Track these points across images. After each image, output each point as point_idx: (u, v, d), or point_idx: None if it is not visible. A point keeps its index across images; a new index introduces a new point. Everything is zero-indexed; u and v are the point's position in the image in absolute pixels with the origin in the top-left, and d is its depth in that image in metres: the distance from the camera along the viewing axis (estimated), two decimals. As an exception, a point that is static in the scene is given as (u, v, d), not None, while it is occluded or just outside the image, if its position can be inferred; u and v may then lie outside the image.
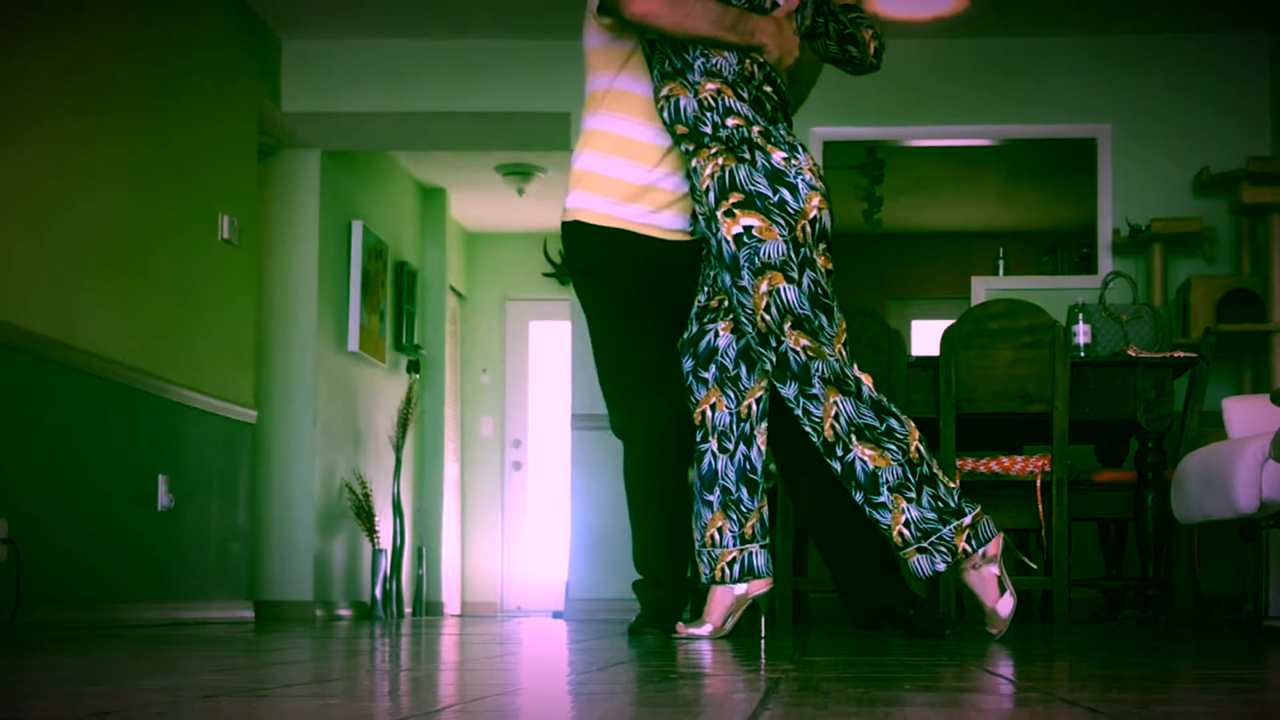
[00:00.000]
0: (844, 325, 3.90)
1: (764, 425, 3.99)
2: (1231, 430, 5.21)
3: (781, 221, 3.78)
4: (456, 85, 7.42)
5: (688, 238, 4.10)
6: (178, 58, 6.19)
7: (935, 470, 3.85)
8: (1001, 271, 8.61)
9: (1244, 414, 5.21)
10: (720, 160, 3.82)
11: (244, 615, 6.66)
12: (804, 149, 3.88)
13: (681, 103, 3.87)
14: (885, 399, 3.90)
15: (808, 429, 3.88)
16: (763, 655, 3.06)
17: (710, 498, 3.97)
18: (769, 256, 3.78)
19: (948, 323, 5.57)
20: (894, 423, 3.84)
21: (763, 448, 3.97)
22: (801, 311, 3.79)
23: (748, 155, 3.81)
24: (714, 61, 3.85)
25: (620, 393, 4.14)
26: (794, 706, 1.74)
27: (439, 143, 8.40)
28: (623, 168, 4.07)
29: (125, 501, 5.65)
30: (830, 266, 3.87)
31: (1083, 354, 5.87)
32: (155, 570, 5.87)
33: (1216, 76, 7.23)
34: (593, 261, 4.13)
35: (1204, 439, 5.60)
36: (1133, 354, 5.57)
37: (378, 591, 8.47)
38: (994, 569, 3.86)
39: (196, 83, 6.36)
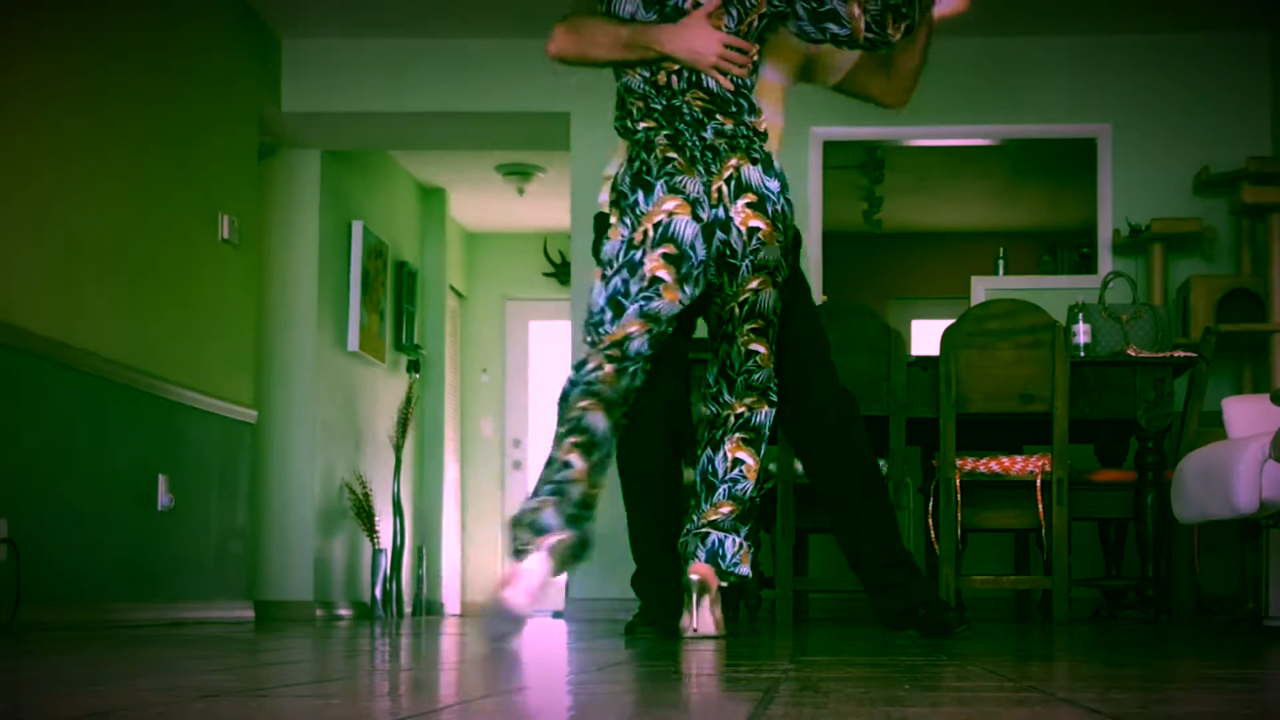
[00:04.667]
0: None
1: (738, 438, 3.99)
2: (1231, 430, 5.21)
3: (628, 223, 3.80)
4: (456, 85, 7.42)
5: None
6: (178, 58, 6.19)
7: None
8: (1001, 271, 8.61)
9: (1244, 414, 5.21)
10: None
11: (244, 615, 6.66)
12: (735, 150, 3.84)
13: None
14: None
15: (709, 408, 3.97)
16: (763, 655, 3.06)
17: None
18: (608, 254, 3.82)
19: (948, 323, 5.57)
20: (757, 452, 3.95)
21: (729, 455, 3.97)
22: (773, 317, 3.87)
23: (644, 157, 3.81)
24: (628, 79, 3.90)
25: None
26: (794, 706, 1.74)
27: (439, 143, 8.40)
28: None
29: (125, 501, 5.65)
30: (660, 274, 3.88)
31: (1083, 354, 5.87)
32: (155, 570, 5.87)
33: (1216, 76, 7.23)
34: None
35: (1204, 439, 5.59)
36: (1133, 354, 5.57)
37: (378, 591, 8.47)
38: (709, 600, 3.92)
39: (196, 82, 6.36)
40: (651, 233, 3.77)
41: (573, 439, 3.73)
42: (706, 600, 3.86)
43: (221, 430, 6.49)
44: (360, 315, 8.48)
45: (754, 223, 3.76)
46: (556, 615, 8.29)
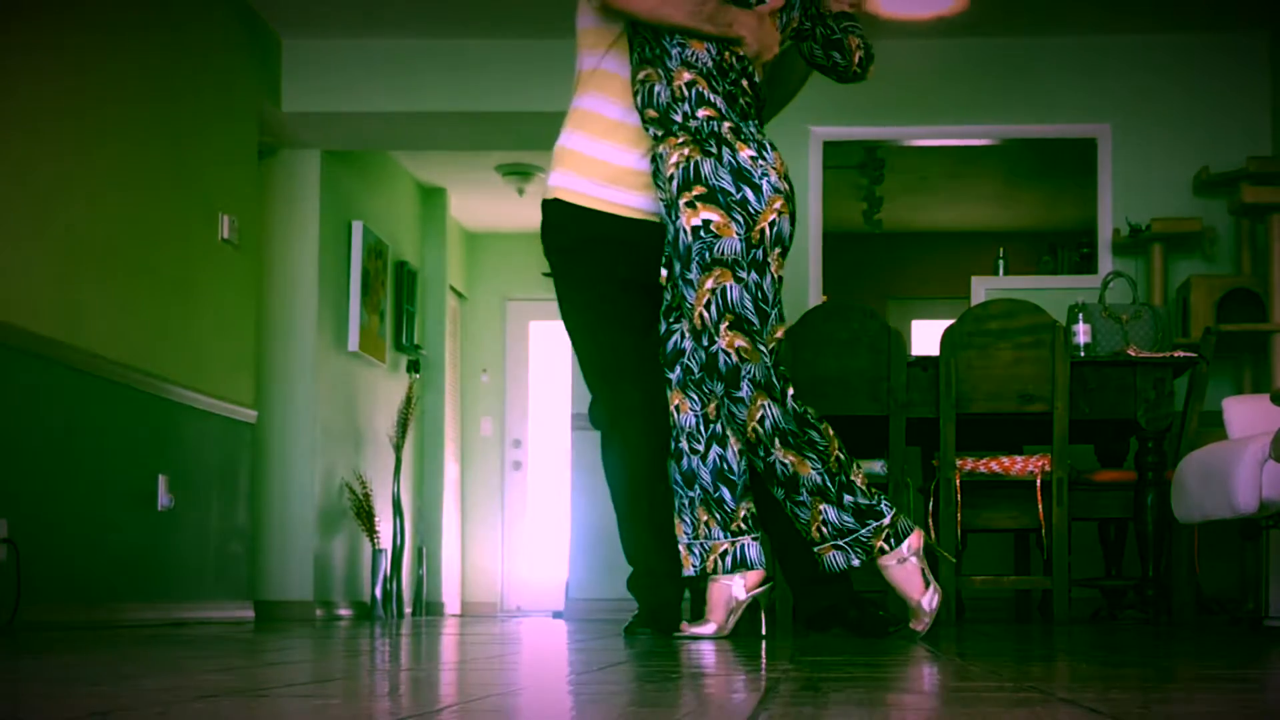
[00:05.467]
0: (781, 328, 3.88)
1: (778, 443, 3.90)
2: (1231, 430, 5.21)
3: (740, 219, 3.76)
4: (456, 85, 7.42)
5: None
6: (178, 58, 6.19)
7: (854, 478, 3.84)
8: (1001, 271, 8.60)
9: (1244, 414, 5.20)
10: (686, 151, 3.80)
11: (244, 615, 6.66)
12: (773, 148, 3.85)
13: (656, 89, 3.86)
14: (810, 411, 3.85)
15: (730, 430, 3.88)
16: (763, 655, 3.06)
17: (692, 494, 3.95)
18: (722, 253, 3.76)
19: (948, 323, 5.57)
20: (815, 435, 3.83)
21: (739, 447, 3.91)
22: (743, 312, 3.78)
23: (714, 149, 3.79)
24: (691, 52, 3.83)
25: (597, 380, 4.14)
26: (794, 706, 1.74)
27: (439, 143, 8.40)
28: (604, 149, 4.06)
29: (125, 501, 5.65)
30: (781, 273, 3.86)
31: (1083, 354, 5.87)
32: (155, 570, 5.87)
33: (1216, 76, 7.23)
34: (569, 241, 4.12)
35: (1204, 439, 5.60)
36: (1133, 354, 5.57)
37: (378, 591, 8.47)
38: (915, 563, 3.86)
39: (196, 82, 6.36)
40: (767, 231, 3.78)
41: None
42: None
43: (221, 430, 6.49)
44: (360, 315, 8.48)
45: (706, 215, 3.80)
46: (556, 615, 8.29)
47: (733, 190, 3.76)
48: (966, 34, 7.23)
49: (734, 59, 3.84)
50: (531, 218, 10.85)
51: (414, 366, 9.67)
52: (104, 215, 5.53)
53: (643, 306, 4.10)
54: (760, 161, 3.79)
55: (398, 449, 9.04)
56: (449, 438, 10.49)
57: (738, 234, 3.76)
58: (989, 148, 7.98)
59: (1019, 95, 7.32)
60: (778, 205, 3.79)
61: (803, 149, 7.28)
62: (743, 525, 3.93)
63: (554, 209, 4.14)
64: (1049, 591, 5.86)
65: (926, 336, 10.35)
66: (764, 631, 4.15)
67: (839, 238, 8.18)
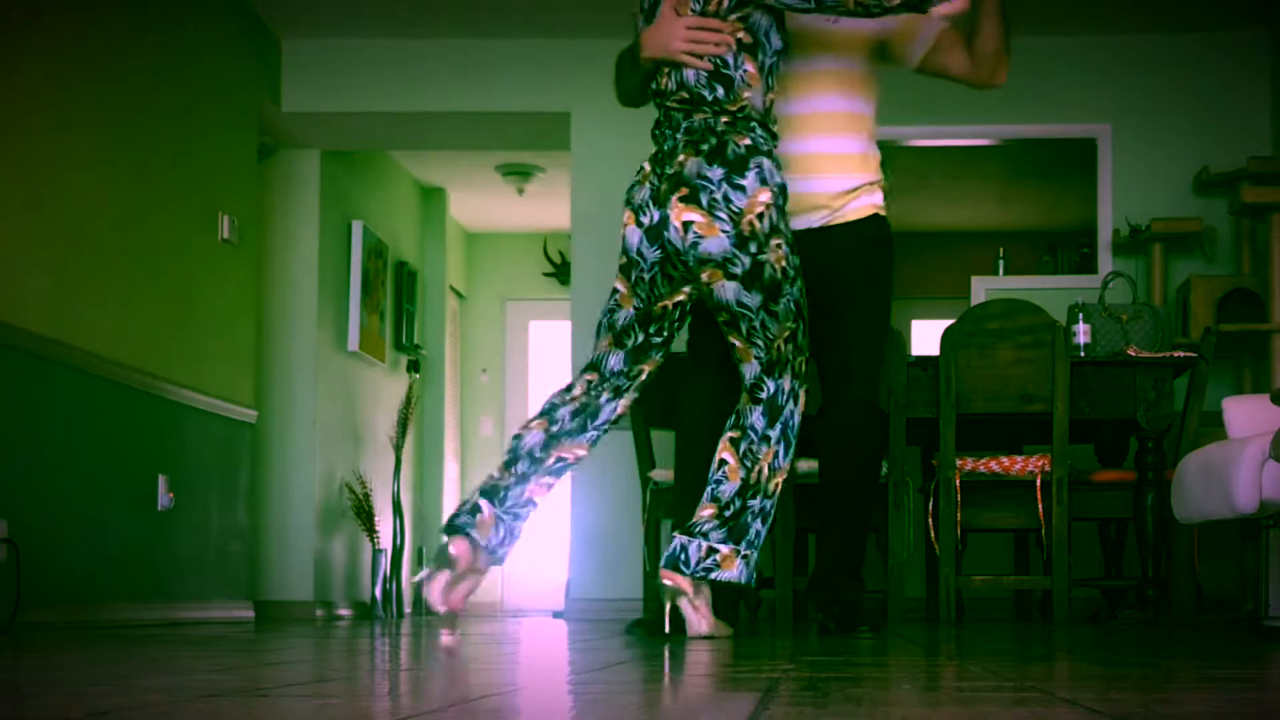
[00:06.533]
0: (794, 329, 3.90)
1: (726, 437, 3.94)
2: (1231, 430, 5.21)
3: (725, 217, 3.77)
4: (456, 85, 7.42)
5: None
6: (178, 57, 6.19)
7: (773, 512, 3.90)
8: (1001, 271, 8.61)
9: (1244, 414, 5.20)
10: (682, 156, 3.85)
11: (244, 615, 6.66)
12: (766, 141, 3.89)
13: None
14: (791, 431, 3.92)
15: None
16: (763, 655, 3.06)
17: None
18: (709, 251, 3.79)
19: (948, 323, 5.57)
20: (779, 450, 3.89)
21: (717, 455, 3.92)
22: (739, 309, 3.83)
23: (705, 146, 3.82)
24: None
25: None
26: (794, 706, 1.74)
27: (439, 143, 8.40)
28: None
29: (125, 501, 5.65)
30: (784, 264, 3.85)
31: (1083, 354, 5.87)
32: (155, 570, 5.87)
33: (1216, 76, 7.23)
34: None
35: (1204, 439, 5.59)
36: (1133, 354, 5.57)
37: (378, 591, 8.47)
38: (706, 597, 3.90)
39: (196, 82, 6.36)
40: (619, 247, 3.87)
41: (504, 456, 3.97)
42: (684, 603, 3.85)
43: (221, 430, 6.49)
44: (360, 315, 8.48)
45: (688, 216, 3.77)
46: (556, 615, 8.29)
47: (714, 187, 3.80)
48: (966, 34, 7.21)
49: (665, 79, 3.90)
50: (531, 218, 10.90)
51: (414, 366, 9.67)
52: (104, 215, 5.53)
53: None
54: (635, 178, 3.92)
55: (398, 449, 9.04)
56: (449, 438, 10.49)
57: (724, 231, 3.78)
58: (989, 148, 7.98)
59: (1019, 95, 7.31)
60: (624, 219, 3.89)
61: (803, 149, 7.27)
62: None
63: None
64: (1049, 591, 5.85)
65: (926, 336, 10.35)
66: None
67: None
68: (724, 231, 3.75)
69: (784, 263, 3.83)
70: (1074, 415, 5.48)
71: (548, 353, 11.40)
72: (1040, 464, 5.46)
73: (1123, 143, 7.23)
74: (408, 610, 9.34)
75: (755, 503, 3.89)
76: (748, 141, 3.79)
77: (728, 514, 3.85)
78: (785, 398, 3.92)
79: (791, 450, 3.94)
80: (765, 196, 3.77)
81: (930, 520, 5.59)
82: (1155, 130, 7.22)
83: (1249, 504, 4.57)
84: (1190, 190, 7.17)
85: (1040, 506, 5.43)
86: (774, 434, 3.91)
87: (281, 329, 7.84)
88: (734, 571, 3.83)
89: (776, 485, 3.91)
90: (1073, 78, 7.28)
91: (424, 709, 1.72)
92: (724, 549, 3.84)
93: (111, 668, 2.52)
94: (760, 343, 3.87)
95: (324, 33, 7.32)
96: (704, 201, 3.75)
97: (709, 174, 3.75)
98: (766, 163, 3.80)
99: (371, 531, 8.46)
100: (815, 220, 4.24)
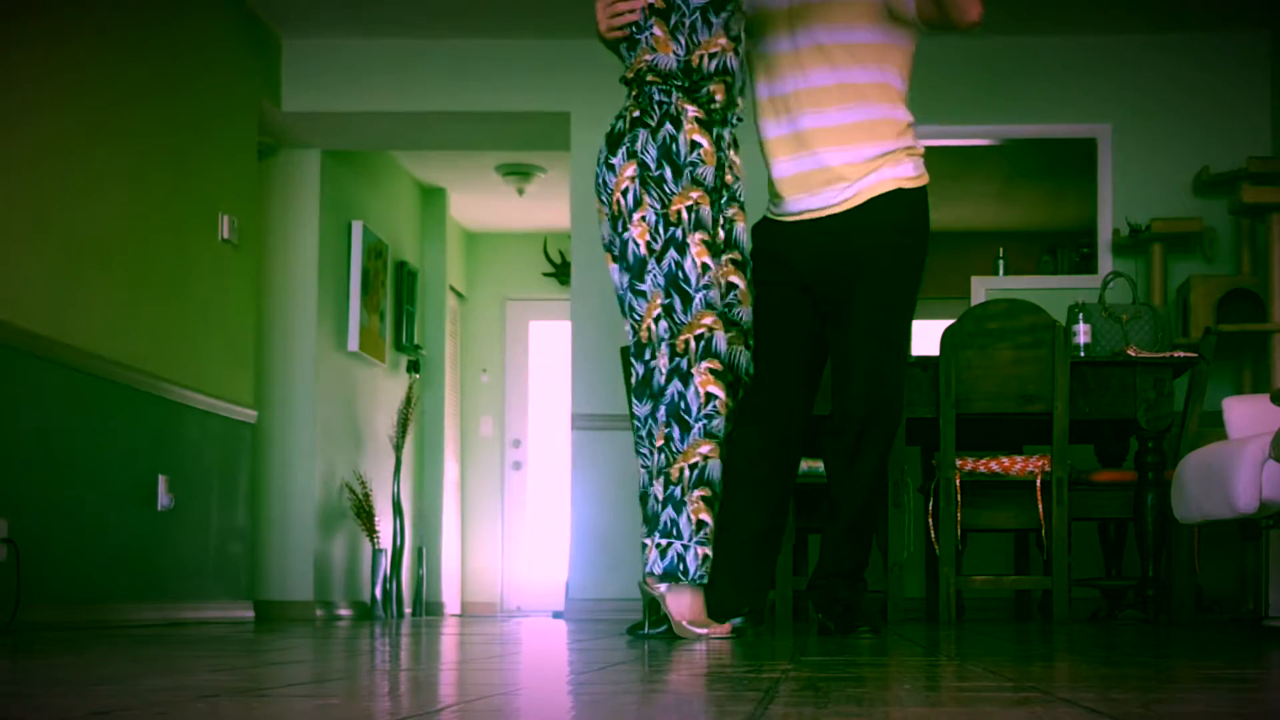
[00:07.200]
0: (712, 324, 3.84)
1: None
2: (1231, 430, 5.21)
3: (605, 200, 3.87)
4: (456, 85, 7.42)
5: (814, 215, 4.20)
6: (178, 57, 6.19)
7: (683, 498, 3.82)
8: (1001, 271, 8.60)
9: (1244, 414, 5.20)
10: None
11: (244, 615, 6.66)
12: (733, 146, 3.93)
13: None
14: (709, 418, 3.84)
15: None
16: (763, 655, 3.06)
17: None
18: (603, 237, 3.92)
19: (948, 323, 5.57)
20: (671, 433, 3.83)
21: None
22: (618, 295, 3.89)
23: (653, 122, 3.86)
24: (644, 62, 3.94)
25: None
26: (794, 706, 1.74)
27: (439, 143, 8.40)
28: None
29: (125, 501, 5.65)
30: (735, 279, 3.93)
31: (1083, 354, 5.87)
32: (155, 570, 5.87)
33: (1216, 76, 7.23)
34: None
35: (1204, 439, 5.60)
36: (1133, 354, 5.57)
37: (378, 591, 8.47)
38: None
39: (196, 82, 6.37)
40: (685, 214, 3.83)
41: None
42: (665, 605, 3.87)
43: (221, 430, 6.49)
44: (360, 315, 8.48)
45: (599, 205, 3.96)
46: (556, 615, 8.28)
47: (653, 167, 3.83)
48: (966, 34, 7.22)
49: (704, 61, 3.87)
50: (531, 217, 10.90)
51: (414, 366, 9.67)
52: (104, 215, 5.53)
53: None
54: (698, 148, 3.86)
55: (398, 449, 9.04)
56: (449, 438, 10.49)
57: (652, 209, 3.82)
58: (989, 148, 7.97)
59: (1019, 95, 7.32)
60: (695, 195, 3.83)
61: (803, 149, 7.27)
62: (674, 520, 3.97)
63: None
64: (1049, 591, 5.86)
65: (926, 336, 10.34)
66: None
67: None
68: (607, 215, 3.85)
69: (647, 237, 3.82)
70: (1074, 415, 5.48)
71: (548, 353, 11.40)
72: (1040, 464, 5.46)
73: (1123, 143, 7.23)
74: (408, 610, 9.34)
75: (659, 489, 3.84)
76: (637, 114, 3.86)
77: (648, 508, 3.89)
78: (661, 376, 3.81)
79: (692, 431, 3.79)
80: (630, 170, 3.81)
81: (930, 520, 5.59)
82: (1155, 130, 7.22)
83: (1249, 504, 4.57)
84: (1190, 190, 7.17)
85: (1040, 507, 5.43)
86: (660, 416, 3.83)
87: (281, 329, 7.84)
88: (650, 563, 3.84)
89: (681, 469, 3.80)
90: (1073, 78, 7.28)
91: (424, 709, 1.72)
92: (649, 543, 3.87)
93: (111, 668, 2.52)
94: (630, 325, 3.88)
95: (324, 33, 7.32)
96: (595, 186, 3.93)
97: (601, 158, 3.92)
98: (643, 134, 3.82)
99: (371, 531, 8.46)
100: (834, 197, 4.16)
